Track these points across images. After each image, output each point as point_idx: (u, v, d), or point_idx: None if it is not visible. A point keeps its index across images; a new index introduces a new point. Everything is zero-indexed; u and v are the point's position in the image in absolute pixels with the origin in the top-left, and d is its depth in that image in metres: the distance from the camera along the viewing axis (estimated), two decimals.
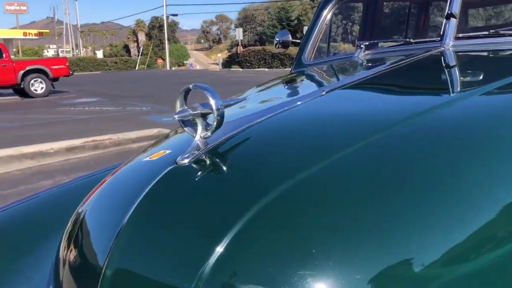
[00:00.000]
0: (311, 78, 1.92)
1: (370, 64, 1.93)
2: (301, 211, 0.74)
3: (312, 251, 0.69)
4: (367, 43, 2.15)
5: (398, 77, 1.46)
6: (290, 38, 2.68)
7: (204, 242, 0.73)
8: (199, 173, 0.85)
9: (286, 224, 0.72)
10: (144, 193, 0.83)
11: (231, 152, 0.89)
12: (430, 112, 0.99)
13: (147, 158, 1.04)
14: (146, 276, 0.75)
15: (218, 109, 0.87)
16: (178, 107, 0.92)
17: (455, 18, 1.90)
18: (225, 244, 0.70)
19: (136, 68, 49.70)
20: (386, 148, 0.86)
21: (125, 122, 9.63)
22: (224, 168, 0.86)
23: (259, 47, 42.60)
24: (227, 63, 47.13)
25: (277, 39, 2.73)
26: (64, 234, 1.05)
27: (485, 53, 1.82)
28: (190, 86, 0.91)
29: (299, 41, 2.61)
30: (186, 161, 0.88)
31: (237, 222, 0.71)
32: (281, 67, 35.23)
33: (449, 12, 1.89)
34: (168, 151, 1.01)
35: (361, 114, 1.02)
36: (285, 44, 2.70)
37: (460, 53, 1.78)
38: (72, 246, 0.96)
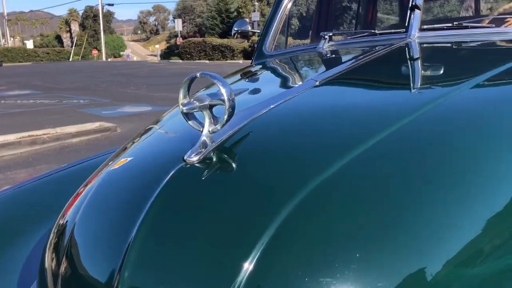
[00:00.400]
0: (289, 68, 1.87)
1: (343, 55, 1.92)
2: (333, 212, 0.69)
3: (356, 255, 0.65)
4: (331, 34, 2.14)
5: (383, 67, 1.45)
6: (249, 28, 2.62)
7: (233, 253, 0.65)
8: (212, 172, 0.77)
9: (319, 228, 0.67)
10: (153, 197, 0.74)
11: (244, 147, 0.82)
12: (435, 104, 0.97)
13: (146, 156, 0.95)
14: None
15: (230, 100, 0.79)
16: (181, 98, 0.83)
17: (419, 9, 1.92)
18: (258, 254, 0.64)
19: (70, 59, 47.60)
20: (401, 143, 0.83)
21: (63, 115, 9.17)
22: (241, 166, 0.78)
23: (199, 39, 42.03)
24: (166, 55, 46.24)
25: (235, 29, 2.66)
26: (48, 245, 0.94)
27: (450, 45, 1.85)
28: (197, 74, 0.83)
29: (258, 31, 2.56)
30: (195, 158, 0.80)
31: (267, 230, 0.65)
32: (222, 59, 34.99)
33: (413, 3, 1.91)
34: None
35: (366, 107, 0.99)
36: (244, 34, 2.63)
37: (426, 45, 1.80)
38: (65, 260, 0.84)
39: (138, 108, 10.02)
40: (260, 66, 2.10)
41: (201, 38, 43.08)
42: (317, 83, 1.08)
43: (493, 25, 1.94)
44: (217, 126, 0.83)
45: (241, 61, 27.94)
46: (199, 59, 36.93)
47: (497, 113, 0.99)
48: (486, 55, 1.68)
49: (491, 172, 0.83)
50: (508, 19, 2.04)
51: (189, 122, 0.86)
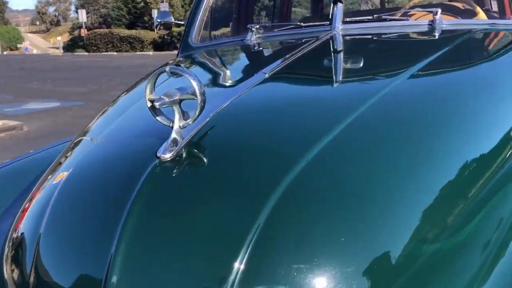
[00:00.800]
0: (227, 61, 1.88)
1: (277, 47, 1.97)
2: (316, 200, 0.73)
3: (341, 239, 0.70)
4: (257, 26, 2.18)
5: (322, 59, 1.52)
6: (173, 20, 2.58)
7: (223, 250, 0.66)
8: (189, 167, 0.77)
9: (307, 218, 0.71)
10: (132, 199, 0.72)
11: (217, 140, 0.83)
12: (384, 93, 1.05)
13: (113, 155, 0.91)
14: None
15: (201, 94, 0.79)
16: (148, 94, 0.82)
17: (341, 2, 2.02)
18: (248, 250, 0.65)
19: None
20: (363, 129, 0.89)
21: None
22: (218, 160, 0.79)
23: (105, 30, 40.25)
24: (70, 47, 43.71)
25: (158, 21, 2.60)
26: (4, 258, 0.88)
27: (371, 37, 1.97)
28: (166, 68, 0.81)
29: (182, 22, 2.52)
30: (169, 155, 0.79)
31: (255, 223, 0.67)
32: (131, 50, 33.87)
33: None
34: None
35: (323, 97, 1.04)
36: (167, 26, 2.59)
37: (351, 37, 1.91)
38: (33, 272, 0.80)
39: (45, 104, 9.43)
40: (192, 58, 2.09)
41: (108, 29, 41.27)
42: (267, 75, 1.11)
43: (407, 18, 2.10)
44: (187, 121, 0.83)
45: (151, 53, 27.22)
46: (106, 51, 35.40)
47: (437, 99, 1.10)
48: (410, 46, 1.83)
49: (443, 150, 0.93)
50: (413, 13, 2.22)
51: (158, 118, 0.85)
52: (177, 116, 0.83)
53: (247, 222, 0.69)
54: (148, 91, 0.84)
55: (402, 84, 1.14)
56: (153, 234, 0.71)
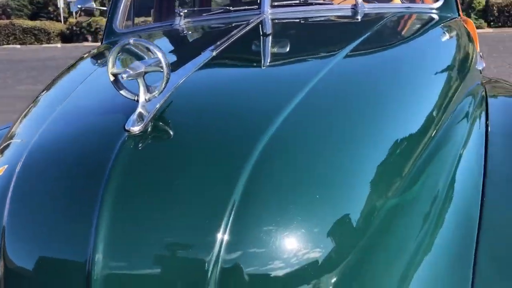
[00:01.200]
0: (164, 42, 1.85)
1: (207, 31, 1.97)
2: (293, 159, 0.77)
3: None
4: (186, 11, 2.16)
5: (256, 42, 1.56)
6: (94, 5, 2.47)
7: (207, 218, 0.68)
8: (161, 139, 0.77)
9: (284, 175, 0.73)
10: (107, 174, 0.70)
11: (184, 111, 0.83)
12: (328, 70, 1.11)
13: (76, 131, 0.87)
14: (148, 270, 0.66)
15: (167, 66, 0.78)
16: (110, 68, 0.79)
17: None
18: (232, 216, 0.68)
19: None
20: (320, 98, 0.94)
21: None
22: (189, 129, 0.80)
23: (5, 21, 37.38)
24: None
25: (78, 6, 2.49)
26: None
27: (300, 20, 2.04)
28: (130, 41, 0.79)
29: (105, 8, 2.42)
30: (137, 128, 0.77)
31: (236, 186, 0.68)
32: (36, 43, 31.72)
33: None
34: None
35: (278, 73, 1.09)
36: (88, 12, 2.49)
37: (281, 20, 1.97)
38: (3, 261, 0.75)
39: None
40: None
41: (8, 20, 38.39)
42: (214, 53, 1.12)
43: (331, 2, 2.20)
44: (154, 93, 0.82)
45: (59, 45, 25.70)
46: (8, 44, 32.83)
47: (374, 74, 1.19)
48: (339, 29, 1.92)
49: (392, 116, 1.02)
50: None
51: (121, 92, 0.83)
52: (142, 89, 0.82)
53: (227, 188, 0.71)
54: (110, 65, 0.81)
55: (341, 63, 1.21)
56: (134, 208, 0.70)
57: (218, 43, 1.25)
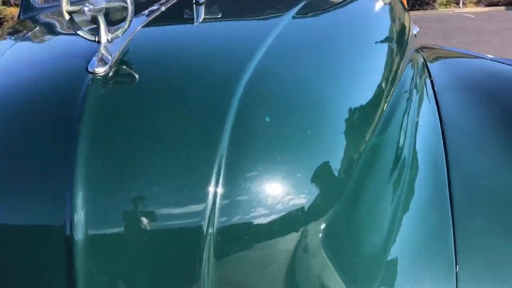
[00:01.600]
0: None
1: None
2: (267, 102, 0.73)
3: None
4: None
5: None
6: None
7: (197, 165, 0.61)
8: (130, 80, 0.70)
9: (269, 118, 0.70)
10: (77, 116, 0.62)
11: (154, 52, 0.78)
12: (280, 28, 1.07)
13: (33, 76, 0.75)
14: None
15: (132, 3, 0.71)
16: (65, 5, 0.72)
17: None
18: (223, 163, 0.62)
19: None
20: (284, 50, 0.91)
21: None
22: (160, 70, 0.73)
23: None
24: None
25: None
26: None
27: None
28: None
29: None
30: (102, 69, 0.69)
31: (223, 132, 0.64)
32: None
33: None
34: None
35: (231, 28, 1.04)
36: None
37: None
38: None
39: None
40: (41, 19, 1.83)
41: None
42: (163, 8, 1.04)
43: None
44: (116, 33, 0.73)
45: None
46: None
47: (332, 29, 1.20)
48: None
49: (357, 65, 1.05)
50: None
51: (79, 32, 0.74)
52: (103, 28, 0.73)
53: (214, 135, 0.66)
54: (64, 2, 0.73)
55: (292, 20, 1.18)
56: (114, 157, 0.62)
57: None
